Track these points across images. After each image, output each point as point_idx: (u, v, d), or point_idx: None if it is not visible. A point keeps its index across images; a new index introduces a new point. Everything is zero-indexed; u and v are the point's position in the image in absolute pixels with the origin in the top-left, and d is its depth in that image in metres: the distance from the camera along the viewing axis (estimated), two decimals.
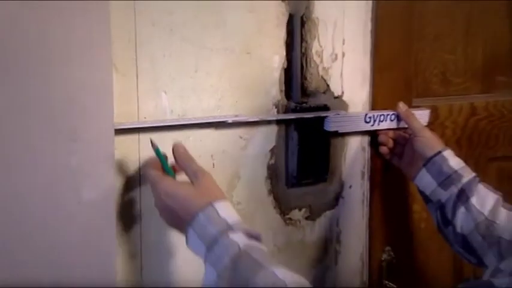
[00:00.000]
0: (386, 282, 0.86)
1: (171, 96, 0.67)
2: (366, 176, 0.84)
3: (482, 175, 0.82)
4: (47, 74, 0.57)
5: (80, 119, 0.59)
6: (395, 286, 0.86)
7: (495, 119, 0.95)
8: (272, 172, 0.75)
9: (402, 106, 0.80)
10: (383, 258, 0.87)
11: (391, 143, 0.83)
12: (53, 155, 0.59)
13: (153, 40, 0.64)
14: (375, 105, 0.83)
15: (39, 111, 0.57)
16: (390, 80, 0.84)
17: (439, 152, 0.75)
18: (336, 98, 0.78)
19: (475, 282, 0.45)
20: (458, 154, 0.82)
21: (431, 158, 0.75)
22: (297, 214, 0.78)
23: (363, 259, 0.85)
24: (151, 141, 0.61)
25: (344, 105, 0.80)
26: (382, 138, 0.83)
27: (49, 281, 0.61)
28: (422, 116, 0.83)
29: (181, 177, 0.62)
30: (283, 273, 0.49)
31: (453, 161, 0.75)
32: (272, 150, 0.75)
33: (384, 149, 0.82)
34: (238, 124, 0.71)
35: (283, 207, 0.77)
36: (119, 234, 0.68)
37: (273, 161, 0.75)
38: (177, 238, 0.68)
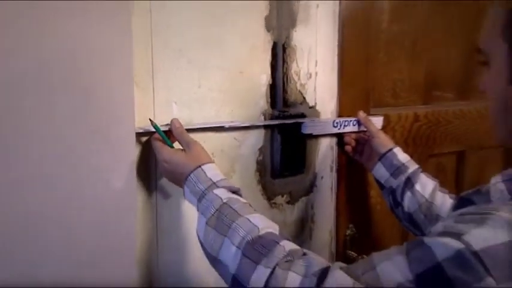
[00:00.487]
0: (349, 252, 0.88)
1: (180, 106, 0.67)
2: (334, 169, 0.86)
3: (424, 167, 0.85)
4: (80, 86, 0.56)
5: (108, 125, 0.58)
6: (356, 254, 0.87)
7: (432, 125, 0.97)
8: (260, 166, 0.76)
9: (362, 114, 0.82)
10: (347, 233, 0.89)
11: (353, 143, 0.85)
12: (86, 155, 0.57)
13: (166, 60, 0.64)
14: (340, 113, 0.85)
15: (74, 117, 0.56)
16: (352, 94, 0.86)
17: (391, 149, 0.78)
18: (310, 107, 0.80)
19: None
20: (406, 151, 0.84)
21: (385, 153, 0.77)
22: (280, 199, 0.79)
23: (331, 234, 0.87)
24: (150, 120, 0.61)
25: (317, 113, 0.81)
26: (346, 139, 0.84)
27: (71, 275, 0.58)
28: (377, 121, 0.85)
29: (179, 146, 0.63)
30: (257, 219, 0.50)
31: (401, 156, 0.78)
32: (260, 149, 0.75)
33: (348, 148, 0.85)
34: (233, 128, 0.72)
35: (269, 194, 0.78)
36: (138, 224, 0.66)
37: (261, 158, 0.76)
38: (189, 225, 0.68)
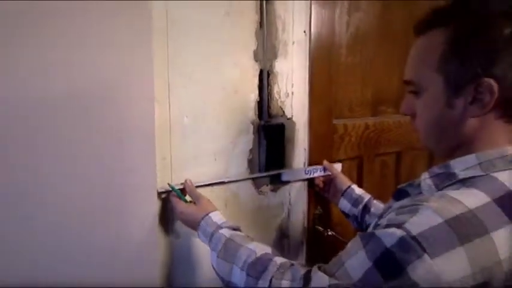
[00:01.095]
0: (317, 226, 0.88)
1: (190, 118, 0.67)
2: (306, 165, 0.84)
3: (372, 163, 0.86)
4: (107, 102, 0.54)
5: (131, 135, 0.56)
6: (322, 228, 0.88)
7: (378, 132, 0.98)
8: (250, 164, 0.76)
9: (326, 162, 0.83)
10: (315, 213, 0.89)
11: (321, 184, 0.84)
12: (110, 160, 0.54)
13: (178, 82, 0.64)
14: (310, 123, 0.84)
15: (101, 130, 0.53)
16: (319, 108, 0.86)
17: (349, 186, 0.79)
18: (288, 119, 0.80)
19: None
20: (359, 152, 0.85)
21: (345, 190, 0.78)
22: (265, 188, 0.79)
23: (304, 213, 0.87)
24: (168, 184, 0.63)
25: (293, 123, 0.81)
26: (316, 181, 0.85)
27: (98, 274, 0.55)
28: (338, 167, 0.86)
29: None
30: (254, 246, 0.52)
31: (357, 190, 0.78)
32: (250, 150, 0.76)
33: (317, 187, 0.85)
34: (230, 134, 0.72)
35: (257, 185, 0.78)
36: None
37: (251, 157, 0.76)
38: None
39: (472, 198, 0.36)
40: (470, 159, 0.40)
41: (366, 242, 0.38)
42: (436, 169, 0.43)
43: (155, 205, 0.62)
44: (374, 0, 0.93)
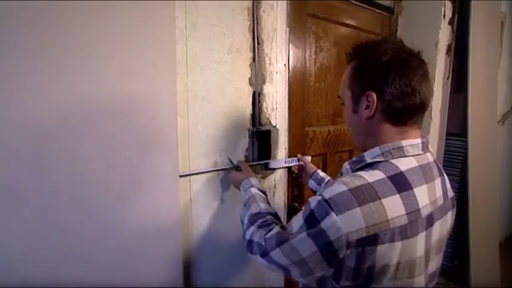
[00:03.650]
0: (295, 203, 0.88)
1: (203, 126, 0.66)
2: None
3: (333, 158, 0.85)
4: (146, 116, 0.52)
5: (161, 138, 0.54)
6: (297, 205, 0.87)
7: (337, 136, 0.99)
8: (246, 158, 0.76)
9: (299, 155, 0.84)
10: (293, 193, 0.88)
11: (296, 170, 0.84)
12: (138, 165, 0.51)
13: (195, 101, 0.64)
14: (289, 129, 0.84)
15: (132, 138, 0.50)
16: (296, 119, 0.86)
17: (315, 171, 0.79)
18: (273, 126, 0.80)
19: None
20: (324, 150, 0.85)
21: (313, 173, 0.78)
22: (257, 176, 0.76)
23: (285, 194, 0.86)
24: (227, 157, 0.68)
25: (277, 130, 0.80)
26: (293, 169, 0.84)
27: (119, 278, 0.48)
28: (308, 158, 0.86)
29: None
30: (263, 205, 0.52)
31: (321, 173, 0.78)
32: (246, 149, 0.75)
33: (293, 173, 0.85)
34: (232, 137, 0.72)
35: None
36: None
37: (247, 154, 0.76)
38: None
39: (371, 175, 0.37)
40: (376, 150, 0.41)
41: (304, 208, 0.40)
42: (354, 158, 0.44)
43: (177, 183, 0.59)
44: (332, 46, 0.95)
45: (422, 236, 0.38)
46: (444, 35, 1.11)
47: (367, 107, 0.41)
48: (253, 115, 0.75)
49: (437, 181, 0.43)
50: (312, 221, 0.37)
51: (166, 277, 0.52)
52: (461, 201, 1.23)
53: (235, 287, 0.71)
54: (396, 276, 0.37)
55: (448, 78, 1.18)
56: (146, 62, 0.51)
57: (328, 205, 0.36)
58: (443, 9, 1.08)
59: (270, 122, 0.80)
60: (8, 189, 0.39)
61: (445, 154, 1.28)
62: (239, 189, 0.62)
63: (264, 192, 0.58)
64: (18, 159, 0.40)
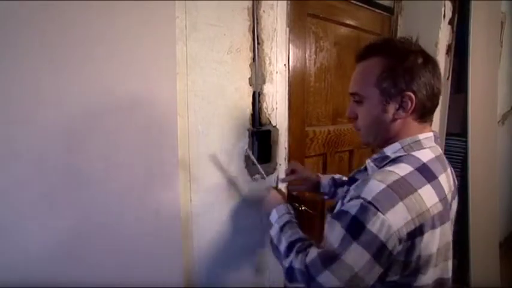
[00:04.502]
0: (294, 203, 0.86)
1: (202, 127, 0.66)
2: (286, 160, 0.84)
3: (333, 159, 0.85)
4: (149, 115, 0.52)
5: (162, 138, 0.54)
6: (297, 205, 0.86)
7: (337, 136, 0.99)
8: (246, 158, 0.75)
9: (294, 165, 0.76)
10: (292, 194, 0.87)
11: (297, 191, 0.82)
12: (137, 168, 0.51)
13: (195, 101, 0.63)
14: (289, 129, 0.83)
15: (133, 143, 0.50)
16: (296, 119, 0.86)
17: (318, 181, 0.73)
18: (273, 126, 0.79)
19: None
20: (324, 151, 0.84)
21: (318, 184, 0.72)
22: (257, 176, 0.78)
23: (284, 194, 0.85)
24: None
25: (277, 130, 0.80)
26: (292, 190, 0.81)
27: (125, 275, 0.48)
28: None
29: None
30: (302, 233, 0.50)
31: (324, 180, 0.73)
32: (247, 149, 0.75)
33: (295, 192, 0.82)
34: (231, 138, 0.71)
35: (251, 173, 0.77)
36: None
37: (246, 154, 0.75)
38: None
39: (401, 169, 0.39)
40: (396, 146, 0.43)
41: (338, 218, 0.38)
42: (375, 156, 0.45)
43: (177, 183, 0.59)
44: (332, 46, 0.94)
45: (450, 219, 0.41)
46: (444, 35, 1.11)
47: (401, 107, 0.42)
48: (253, 115, 0.75)
49: (449, 170, 0.46)
50: (357, 228, 0.35)
51: (166, 277, 0.52)
52: (461, 201, 1.24)
53: (235, 287, 0.71)
54: (437, 262, 0.39)
55: (448, 78, 1.18)
56: (146, 62, 0.50)
57: (373, 206, 0.35)
58: (443, 9, 1.08)
59: (270, 122, 0.79)
60: (8, 191, 0.39)
61: (445, 154, 1.25)
62: (270, 210, 0.58)
63: (296, 219, 0.56)
64: (18, 160, 0.40)
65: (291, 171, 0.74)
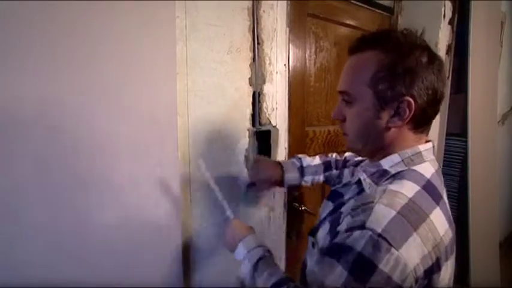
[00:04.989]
0: (294, 203, 0.87)
1: (203, 127, 0.65)
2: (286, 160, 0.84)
3: None
4: (149, 115, 0.51)
5: (162, 137, 0.54)
6: (297, 205, 0.86)
7: (336, 136, 0.99)
8: (246, 158, 0.75)
9: (257, 157, 0.70)
10: (293, 194, 0.88)
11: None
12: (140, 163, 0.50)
13: (195, 101, 0.63)
14: (289, 129, 0.83)
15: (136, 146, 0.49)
16: (296, 119, 0.85)
17: (280, 163, 0.64)
18: (273, 126, 0.79)
19: None
20: (324, 151, 0.85)
21: (281, 166, 0.63)
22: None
23: (285, 195, 0.84)
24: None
25: (277, 130, 0.80)
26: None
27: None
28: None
29: None
30: (281, 271, 0.42)
31: (295, 161, 0.64)
32: (246, 149, 0.75)
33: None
34: (233, 137, 0.71)
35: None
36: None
37: (246, 154, 0.75)
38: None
39: (407, 189, 0.33)
40: (395, 157, 0.37)
41: (338, 256, 0.30)
42: (369, 169, 0.38)
43: (177, 183, 0.58)
44: (332, 46, 0.94)
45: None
46: (444, 35, 1.10)
47: (397, 114, 0.35)
48: (253, 115, 0.75)
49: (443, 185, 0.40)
50: (365, 268, 0.28)
51: (166, 277, 0.51)
52: (461, 201, 1.23)
53: (235, 287, 0.71)
54: None
55: (448, 78, 1.19)
56: (146, 62, 0.50)
57: (385, 240, 0.28)
58: (443, 9, 1.08)
59: (270, 122, 0.79)
60: (9, 190, 0.39)
61: (445, 154, 1.28)
62: (234, 245, 0.48)
63: (269, 251, 0.47)
64: (20, 160, 0.39)
65: (251, 183, 0.64)
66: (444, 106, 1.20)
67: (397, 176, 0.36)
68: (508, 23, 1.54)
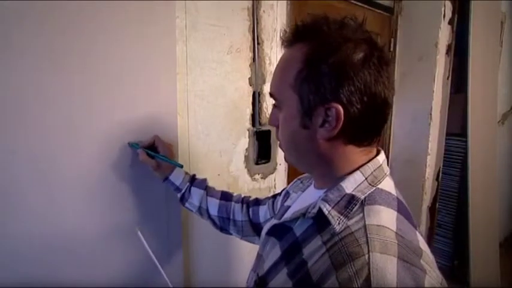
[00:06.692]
0: None
1: (202, 127, 0.66)
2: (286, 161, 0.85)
3: None
4: (149, 116, 0.51)
5: (163, 137, 0.52)
6: None
7: None
8: (246, 158, 0.75)
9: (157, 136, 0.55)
10: None
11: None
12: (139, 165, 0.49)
13: (195, 101, 0.63)
14: None
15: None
16: None
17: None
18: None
19: None
20: None
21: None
22: (257, 176, 0.78)
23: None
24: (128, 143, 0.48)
25: None
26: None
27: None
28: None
29: None
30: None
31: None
32: (247, 149, 0.75)
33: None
34: (231, 137, 0.71)
35: (251, 173, 0.77)
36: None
37: (246, 154, 0.75)
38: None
39: (386, 219, 0.26)
40: (357, 177, 0.29)
41: None
42: (330, 196, 0.29)
43: None
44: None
45: None
46: (444, 35, 1.10)
47: (326, 123, 0.28)
48: (253, 115, 0.75)
49: None
50: None
51: (166, 277, 0.50)
52: (461, 201, 1.22)
53: (235, 287, 0.71)
54: None
55: (448, 78, 1.18)
56: (146, 62, 0.50)
57: None
58: (443, 9, 1.08)
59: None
60: (8, 190, 0.39)
61: (445, 154, 1.28)
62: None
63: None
64: (17, 160, 0.39)
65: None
66: (444, 106, 1.18)
67: (366, 201, 0.28)
68: (508, 23, 1.54)
